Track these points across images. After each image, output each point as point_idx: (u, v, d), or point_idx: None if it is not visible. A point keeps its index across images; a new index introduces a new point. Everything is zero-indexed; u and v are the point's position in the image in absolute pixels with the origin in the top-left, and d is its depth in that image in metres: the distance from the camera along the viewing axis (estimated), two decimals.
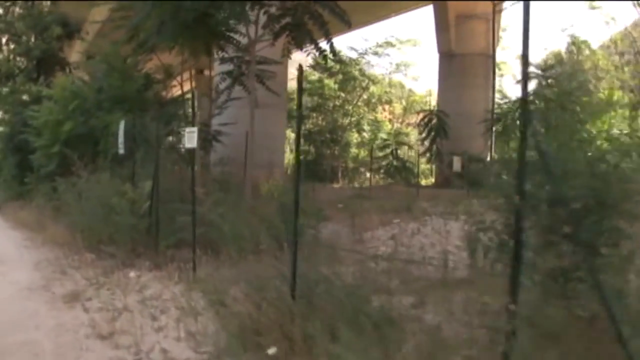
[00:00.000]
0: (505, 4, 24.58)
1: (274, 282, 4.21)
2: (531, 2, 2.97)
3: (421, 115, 25.31)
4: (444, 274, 5.14)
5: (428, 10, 24.91)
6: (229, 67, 12.63)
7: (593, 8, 29.28)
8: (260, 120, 15.43)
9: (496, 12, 23.60)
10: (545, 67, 20.41)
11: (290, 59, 11.16)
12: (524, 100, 3.26)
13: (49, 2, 20.07)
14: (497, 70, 25.06)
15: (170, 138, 10.33)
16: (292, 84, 20.93)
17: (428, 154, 24.00)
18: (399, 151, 25.05)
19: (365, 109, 36.14)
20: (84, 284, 6.24)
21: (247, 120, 14.79)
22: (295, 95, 31.84)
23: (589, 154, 12.81)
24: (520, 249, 2.82)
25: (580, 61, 29.43)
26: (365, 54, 34.48)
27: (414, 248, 6.79)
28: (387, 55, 34.75)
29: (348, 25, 10.15)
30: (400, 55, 35.01)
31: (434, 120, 23.49)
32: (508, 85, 31.58)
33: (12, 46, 19.85)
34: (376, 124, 36.12)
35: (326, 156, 33.16)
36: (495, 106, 23.69)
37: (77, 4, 18.19)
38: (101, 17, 15.36)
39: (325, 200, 11.57)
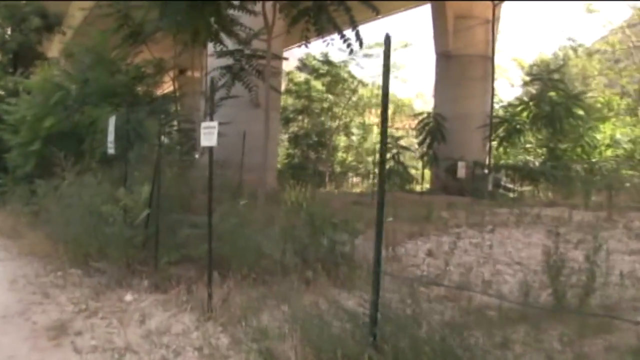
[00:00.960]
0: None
1: (342, 324, 3.18)
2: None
3: (418, 119, 24.40)
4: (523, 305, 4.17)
5: (418, 12, 24.17)
6: (227, 61, 11.63)
7: (590, 12, 28.85)
8: (252, 121, 14.46)
9: (495, 14, 22.92)
10: (550, 70, 19.67)
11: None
12: None
13: None
14: None
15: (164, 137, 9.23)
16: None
17: (425, 159, 23.18)
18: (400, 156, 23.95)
19: (354, 112, 35.33)
20: (71, 310, 5.14)
21: (242, 120, 13.83)
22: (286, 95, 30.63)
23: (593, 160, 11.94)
24: None
25: (569, 65, 28.96)
26: (355, 55, 33.62)
27: (461, 267, 5.83)
28: (378, 57, 33.91)
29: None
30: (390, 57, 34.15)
31: (431, 124, 22.66)
32: (502, 89, 31.07)
33: None
34: (365, 128, 35.33)
35: (312, 160, 32.24)
36: (497, 110, 23.05)
37: None
38: (87, 4, 14.24)
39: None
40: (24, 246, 8.13)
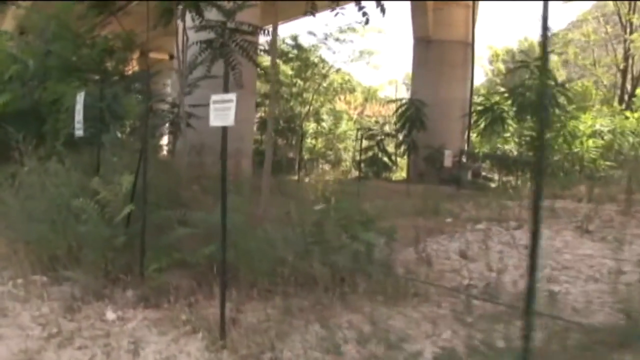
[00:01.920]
0: None
1: None
2: None
3: (396, 105, 23.57)
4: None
5: None
6: (207, 36, 10.45)
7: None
8: None
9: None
10: (538, 57, 19.00)
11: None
12: None
13: None
14: None
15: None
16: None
17: (403, 147, 22.39)
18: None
19: (324, 97, 34.33)
20: (38, 334, 4.01)
21: None
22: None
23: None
24: None
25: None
26: (326, 39, 32.59)
27: (506, 273, 4.92)
28: (350, 41, 33.02)
29: None
30: (363, 42, 33.47)
31: (411, 110, 21.83)
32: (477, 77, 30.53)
33: None
34: (336, 114, 34.40)
35: (281, 147, 31.16)
36: (479, 97, 22.38)
37: None
38: None
39: (307, 197, 9.58)
40: None
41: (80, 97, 6.62)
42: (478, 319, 3.69)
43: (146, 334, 3.95)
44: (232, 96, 3.75)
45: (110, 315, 4.36)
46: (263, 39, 12.04)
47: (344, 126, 34.65)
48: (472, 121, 20.49)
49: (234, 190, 6.68)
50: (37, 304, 4.68)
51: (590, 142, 19.49)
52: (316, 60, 32.45)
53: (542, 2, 2.23)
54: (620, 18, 24.86)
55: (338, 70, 33.59)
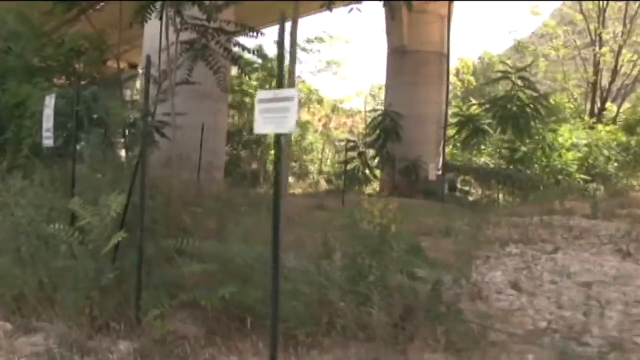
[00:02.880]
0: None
1: None
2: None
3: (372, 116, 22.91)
4: None
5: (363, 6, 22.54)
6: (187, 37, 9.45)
7: (535, 14, 28.49)
8: (198, 113, 12.36)
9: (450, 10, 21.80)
10: (519, 68, 18.64)
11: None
12: None
13: None
14: None
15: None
16: None
17: (378, 159, 21.71)
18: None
19: None
20: None
21: (195, 111, 11.68)
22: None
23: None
24: None
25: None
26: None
27: (578, 310, 4.12)
28: (318, 52, 32.41)
29: None
30: (331, 53, 32.88)
31: (386, 122, 21.18)
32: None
33: None
34: (302, 126, 33.53)
35: (245, 159, 30.12)
36: (456, 109, 21.94)
37: None
38: None
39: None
40: None
41: (50, 101, 5.53)
42: None
43: None
44: (292, 92, 2.83)
45: None
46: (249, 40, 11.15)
47: (310, 138, 33.81)
48: (452, 133, 20.01)
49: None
50: None
51: (570, 154, 19.21)
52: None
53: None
54: (589, 32, 24.92)
55: (303, 81, 32.90)
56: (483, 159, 21.19)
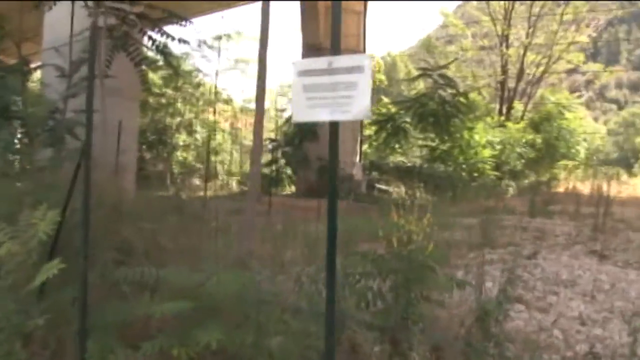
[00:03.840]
0: None
1: None
2: None
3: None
4: None
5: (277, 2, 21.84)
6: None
7: (445, 15, 28.95)
8: (110, 111, 11.16)
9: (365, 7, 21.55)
10: (441, 66, 18.61)
11: None
12: None
13: None
14: None
15: None
16: None
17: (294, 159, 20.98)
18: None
19: (196, 108, 32.01)
20: None
21: (107, 109, 10.46)
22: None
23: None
24: None
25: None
26: (199, 47, 30.64)
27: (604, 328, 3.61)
28: (225, 49, 31.26)
29: None
30: (239, 51, 31.84)
31: None
32: None
33: None
34: (209, 126, 32.19)
35: (150, 160, 28.50)
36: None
37: None
38: None
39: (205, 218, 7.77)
40: None
41: None
42: None
43: None
44: (362, 60, 2.06)
45: None
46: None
47: (219, 138, 32.58)
48: (371, 132, 19.71)
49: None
50: None
51: (486, 152, 19.46)
52: (189, 68, 30.38)
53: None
54: (497, 33, 25.59)
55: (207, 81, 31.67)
56: (401, 158, 21.08)
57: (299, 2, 21.56)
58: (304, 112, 2.23)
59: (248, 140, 32.16)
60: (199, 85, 30.93)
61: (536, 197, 14.22)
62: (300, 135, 20.34)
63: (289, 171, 20.77)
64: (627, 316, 3.86)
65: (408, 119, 18.17)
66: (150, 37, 8.04)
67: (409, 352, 2.62)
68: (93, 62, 3.43)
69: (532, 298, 4.37)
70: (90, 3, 7.52)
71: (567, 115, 23.64)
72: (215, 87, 32.65)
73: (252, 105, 37.22)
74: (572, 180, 19.25)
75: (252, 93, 37.23)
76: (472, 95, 24.29)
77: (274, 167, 19.55)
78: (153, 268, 3.11)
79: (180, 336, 2.85)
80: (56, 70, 8.59)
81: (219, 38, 30.29)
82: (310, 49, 21.52)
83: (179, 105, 30.36)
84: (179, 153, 31.24)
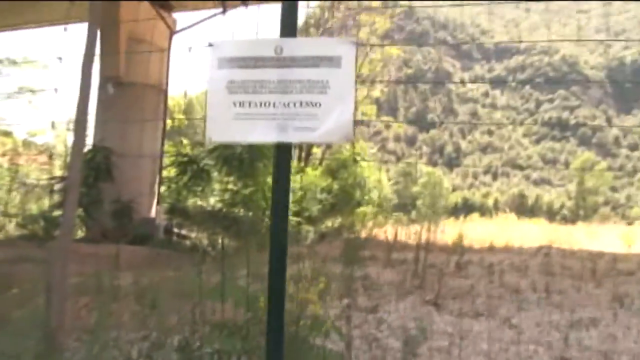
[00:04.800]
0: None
1: None
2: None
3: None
4: None
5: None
6: None
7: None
8: None
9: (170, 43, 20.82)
10: None
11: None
12: None
13: None
14: None
15: None
16: None
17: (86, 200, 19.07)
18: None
19: None
20: None
21: None
22: None
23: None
24: None
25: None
26: None
27: None
28: (7, 75, 27.85)
29: None
30: (24, 78, 28.72)
31: (97, 158, 18.84)
32: None
33: None
34: None
35: None
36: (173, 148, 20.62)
37: None
38: None
39: None
40: None
41: None
42: None
43: None
44: (343, 45, 1.44)
45: None
46: None
47: None
48: (172, 173, 18.73)
49: None
50: None
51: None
52: None
53: None
54: None
55: None
56: (201, 202, 20.35)
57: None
58: (228, 128, 1.56)
59: (32, 178, 28.95)
60: None
61: (340, 243, 14.59)
62: (95, 174, 18.63)
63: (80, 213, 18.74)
64: None
65: (211, 162, 17.61)
66: None
67: None
68: None
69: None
70: None
71: (362, 163, 25.12)
72: None
73: (38, 139, 33.75)
74: (371, 226, 20.23)
75: (39, 125, 33.73)
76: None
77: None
78: None
79: None
80: None
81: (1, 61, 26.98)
82: (108, 81, 20.06)
83: None
84: None
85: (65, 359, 2.78)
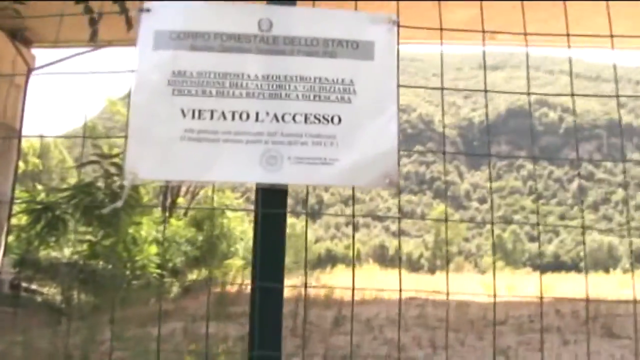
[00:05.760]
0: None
1: None
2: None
3: None
4: None
5: None
6: None
7: (112, 104, 27.91)
8: None
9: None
10: (114, 154, 17.32)
11: None
12: None
13: None
14: None
15: None
16: None
17: None
18: None
19: None
20: None
21: None
22: None
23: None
24: None
25: None
26: None
27: None
28: None
29: None
30: None
31: None
32: None
33: None
34: None
35: None
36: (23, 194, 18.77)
37: None
38: None
39: None
40: None
41: None
42: None
43: None
44: (375, 20, 0.95)
45: None
46: None
47: None
48: (22, 222, 16.96)
49: None
50: None
51: (153, 249, 18.57)
52: None
53: None
54: None
55: None
56: (55, 253, 18.65)
57: None
58: (168, 157, 0.96)
59: None
60: None
61: (207, 298, 13.97)
62: None
63: None
64: None
65: (70, 210, 16.25)
66: None
67: None
68: None
69: None
70: None
71: (228, 214, 24.56)
72: None
73: None
74: (238, 280, 19.67)
75: None
76: (142, 188, 23.52)
77: None
78: None
79: None
80: None
81: None
82: None
83: None
84: None
85: None
